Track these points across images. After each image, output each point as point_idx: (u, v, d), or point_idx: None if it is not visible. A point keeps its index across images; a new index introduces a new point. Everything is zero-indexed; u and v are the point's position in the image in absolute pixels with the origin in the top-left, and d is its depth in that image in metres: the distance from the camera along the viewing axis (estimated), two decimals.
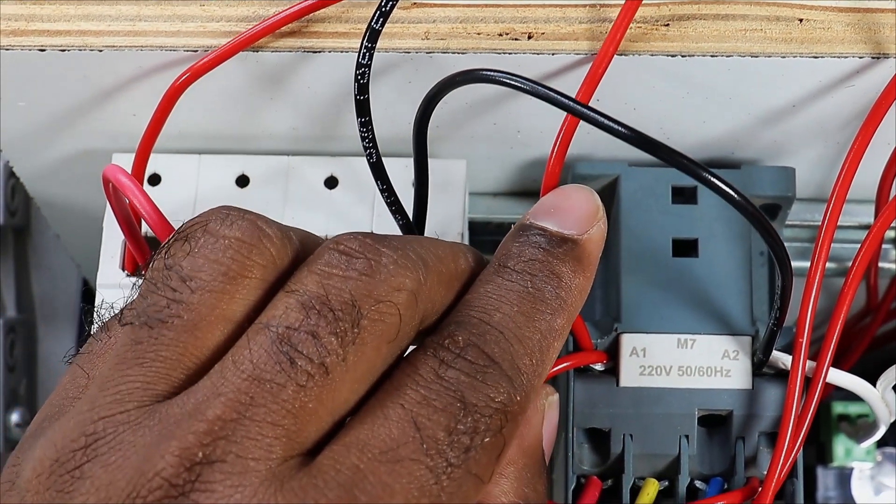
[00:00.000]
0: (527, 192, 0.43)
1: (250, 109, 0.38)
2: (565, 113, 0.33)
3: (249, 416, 0.21)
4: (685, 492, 0.36)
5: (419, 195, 0.35)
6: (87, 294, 0.53)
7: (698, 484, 0.37)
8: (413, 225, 0.36)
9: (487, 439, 0.22)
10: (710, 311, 0.37)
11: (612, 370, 0.37)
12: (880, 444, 0.54)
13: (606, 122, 0.31)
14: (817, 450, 0.56)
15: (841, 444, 0.53)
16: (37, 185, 0.44)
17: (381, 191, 0.35)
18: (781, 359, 0.36)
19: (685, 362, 0.36)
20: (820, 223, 0.35)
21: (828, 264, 0.45)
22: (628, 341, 0.37)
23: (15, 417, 0.51)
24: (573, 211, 0.30)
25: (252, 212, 0.25)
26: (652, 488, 0.36)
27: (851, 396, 0.53)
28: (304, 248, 0.25)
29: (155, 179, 0.39)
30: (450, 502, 0.21)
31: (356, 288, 0.23)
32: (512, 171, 0.41)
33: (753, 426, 0.36)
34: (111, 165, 0.36)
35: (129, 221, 0.36)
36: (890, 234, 0.45)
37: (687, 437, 0.36)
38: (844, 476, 0.54)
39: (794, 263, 0.36)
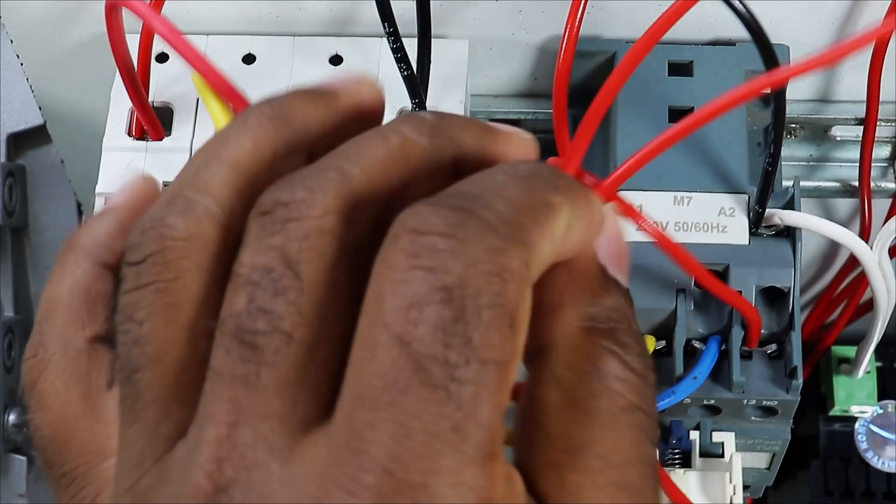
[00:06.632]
0: (527, 93, 0.44)
1: None
2: None
3: (243, 422, 0.20)
4: (682, 350, 0.36)
5: (422, 43, 0.36)
6: None
7: (696, 343, 0.37)
8: (416, 75, 0.37)
9: (486, 316, 0.19)
10: (707, 171, 0.37)
11: None
12: (882, 396, 0.54)
13: None
14: (818, 403, 0.55)
15: (842, 388, 0.53)
16: (45, 85, 0.45)
17: (387, 34, 0.36)
18: (778, 213, 0.36)
19: (682, 218, 0.37)
20: None
21: (825, 183, 0.46)
22: (624, 198, 0.37)
23: (13, 418, 0.51)
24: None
25: (162, 212, 0.22)
26: (649, 343, 0.36)
27: (851, 342, 0.53)
28: (244, 205, 0.22)
29: (163, 58, 0.40)
30: (473, 404, 0.19)
31: (283, 243, 0.20)
32: (512, 66, 0.42)
33: (750, 281, 0.36)
34: None
35: (133, 79, 0.37)
36: (885, 152, 0.46)
37: (684, 290, 0.36)
38: (847, 432, 0.54)
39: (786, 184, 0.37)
